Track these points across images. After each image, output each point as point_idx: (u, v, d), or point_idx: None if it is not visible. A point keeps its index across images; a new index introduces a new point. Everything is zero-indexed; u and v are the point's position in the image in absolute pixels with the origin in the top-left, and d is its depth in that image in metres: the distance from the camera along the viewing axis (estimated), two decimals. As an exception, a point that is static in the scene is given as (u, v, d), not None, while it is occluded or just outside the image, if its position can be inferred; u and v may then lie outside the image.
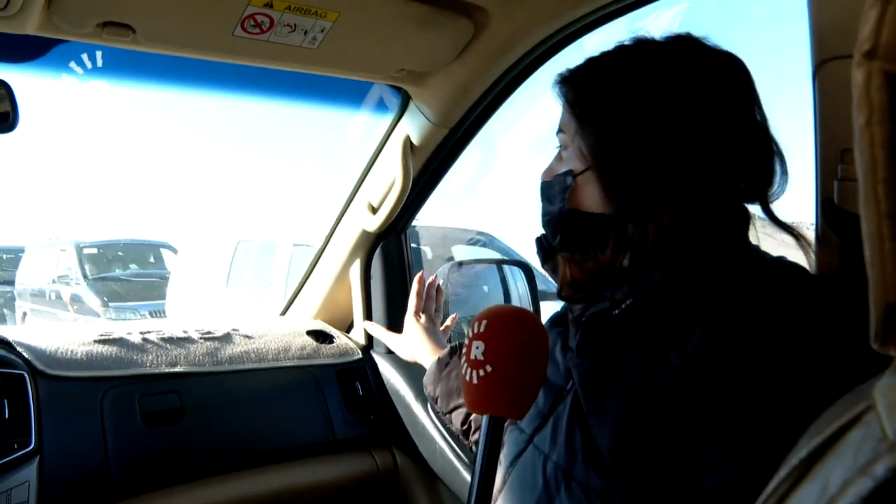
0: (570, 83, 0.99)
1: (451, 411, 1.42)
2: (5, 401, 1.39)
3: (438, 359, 1.46)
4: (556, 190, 0.99)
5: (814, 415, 0.44)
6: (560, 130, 1.01)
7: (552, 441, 0.94)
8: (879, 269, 0.35)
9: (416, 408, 1.80)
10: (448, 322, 1.73)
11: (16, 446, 1.36)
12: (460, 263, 2.19)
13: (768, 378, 0.74)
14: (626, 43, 0.97)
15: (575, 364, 0.93)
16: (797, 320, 0.76)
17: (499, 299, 2.73)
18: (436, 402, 1.46)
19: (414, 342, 1.62)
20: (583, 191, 0.95)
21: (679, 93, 0.89)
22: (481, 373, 0.85)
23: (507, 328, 0.87)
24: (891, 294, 0.35)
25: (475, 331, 0.87)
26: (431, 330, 1.62)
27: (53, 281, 11.90)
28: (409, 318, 1.65)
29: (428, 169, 1.82)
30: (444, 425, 1.73)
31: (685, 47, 0.93)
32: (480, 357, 0.85)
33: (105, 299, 10.96)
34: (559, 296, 1.04)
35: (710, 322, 0.79)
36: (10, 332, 1.58)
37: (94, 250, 12.22)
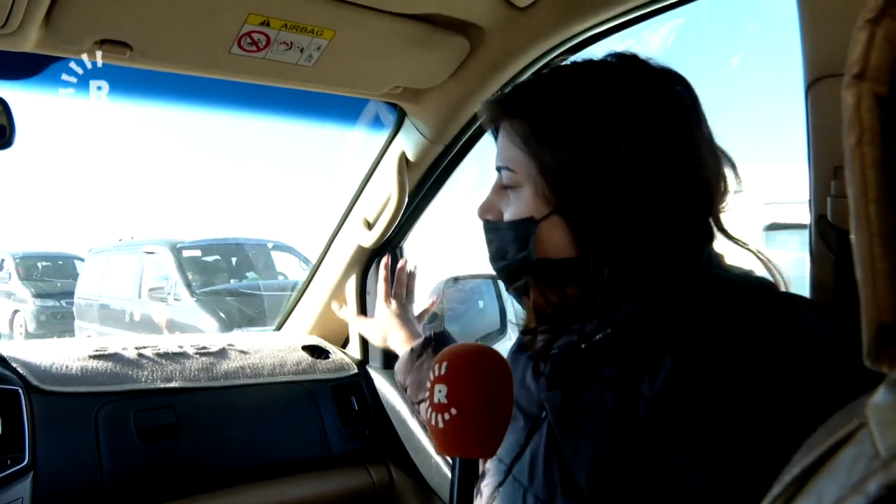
0: (516, 116, 0.93)
1: (419, 402, 1.43)
2: (-1, 417, 1.38)
3: (412, 349, 1.46)
4: (513, 236, 0.93)
5: (792, 440, 0.44)
6: (505, 167, 0.94)
7: (531, 473, 0.92)
8: (871, 289, 0.35)
9: (412, 423, 1.80)
10: (427, 305, 1.72)
11: (9, 462, 1.35)
12: (456, 278, 2.18)
13: (742, 404, 0.73)
14: (563, 65, 0.94)
15: (546, 397, 0.91)
16: (765, 344, 0.75)
17: (494, 314, 2.72)
18: (405, 391, 1.47)
19: (385, 328, 1.61)
20: (547, 236, 0.91)
21: (639, 114, 0.86)
22: (446, 416, 0.82)
23: (467, 368, 0.84)
24: (883, 313, 0.35)
25: (436, 373, 0.85)
26: (403, 316, 1.61)
27: (138, 296, 8.81)
28: (380, 303, 1.64)
29: (423, 185, 1.82)
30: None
31: (630, 66, 0.91)
32: (444, 400, 0.82)
33: (224, 318, 7.97)
34: (523, 331, 1.01)
35: (680, 351, 0.78)
36: (4, 347, 1.57)
37: (196, 252, 9.02)
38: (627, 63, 0.91)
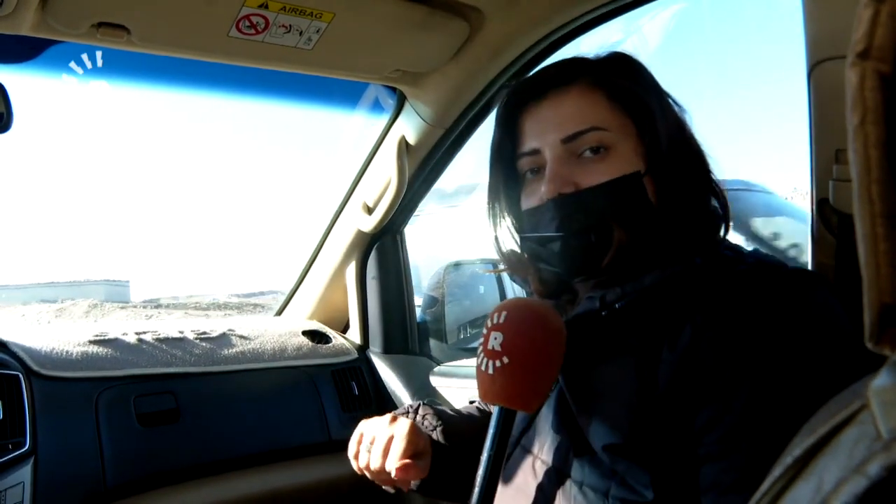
0: (610, 77, 0.93)
1: None
2: (0, 402, 1.38)
3: None
4: (622, 194, 0.89)
5: (803, 404, 0.45)
6: (596, 128, 0.90)
7: (539, 441, 0.94)
8: (874, 270, 0.35)
9: (412, 408, 1.80)
10: None
11: (10, 447, 1.35)
12: (457, 264, 2.18)
13: (758, 369, 0.75)
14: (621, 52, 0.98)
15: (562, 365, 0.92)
16: (779, 316, 0.77)
17: (494, 300, 2.72)
18: None
19: None
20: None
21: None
22: (497, 364, 0.84)
23: (527, 321, 0.86)
24: (885, 294, 0.35)
25: (494, 321, 0.87)
26: None
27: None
28: None
29: (424, 169, 1.82)
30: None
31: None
32: (498, 348, 0.85)
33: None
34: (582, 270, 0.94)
35: (699, 318, 0.80)
36: (5, 332, 1.58)
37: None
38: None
